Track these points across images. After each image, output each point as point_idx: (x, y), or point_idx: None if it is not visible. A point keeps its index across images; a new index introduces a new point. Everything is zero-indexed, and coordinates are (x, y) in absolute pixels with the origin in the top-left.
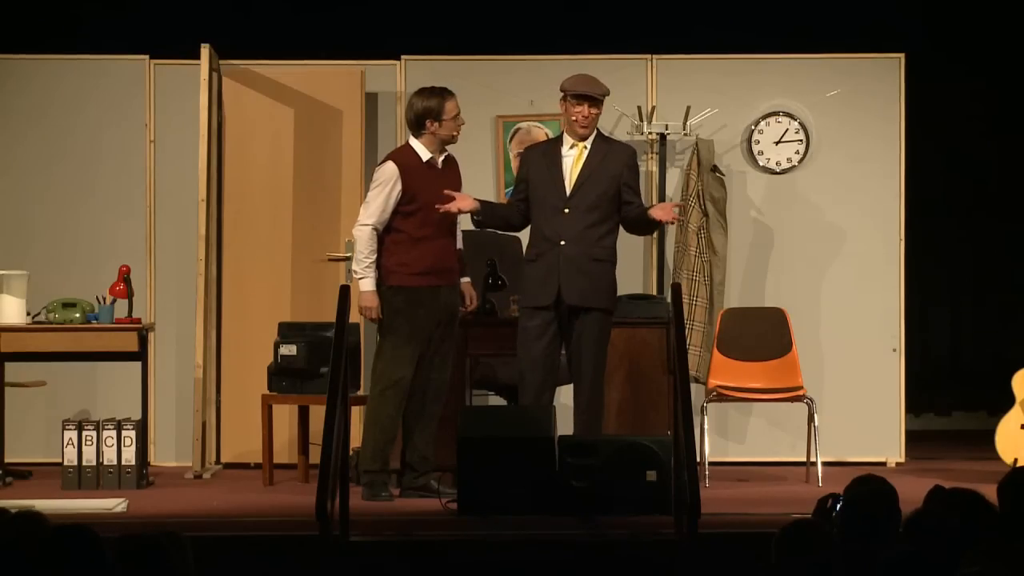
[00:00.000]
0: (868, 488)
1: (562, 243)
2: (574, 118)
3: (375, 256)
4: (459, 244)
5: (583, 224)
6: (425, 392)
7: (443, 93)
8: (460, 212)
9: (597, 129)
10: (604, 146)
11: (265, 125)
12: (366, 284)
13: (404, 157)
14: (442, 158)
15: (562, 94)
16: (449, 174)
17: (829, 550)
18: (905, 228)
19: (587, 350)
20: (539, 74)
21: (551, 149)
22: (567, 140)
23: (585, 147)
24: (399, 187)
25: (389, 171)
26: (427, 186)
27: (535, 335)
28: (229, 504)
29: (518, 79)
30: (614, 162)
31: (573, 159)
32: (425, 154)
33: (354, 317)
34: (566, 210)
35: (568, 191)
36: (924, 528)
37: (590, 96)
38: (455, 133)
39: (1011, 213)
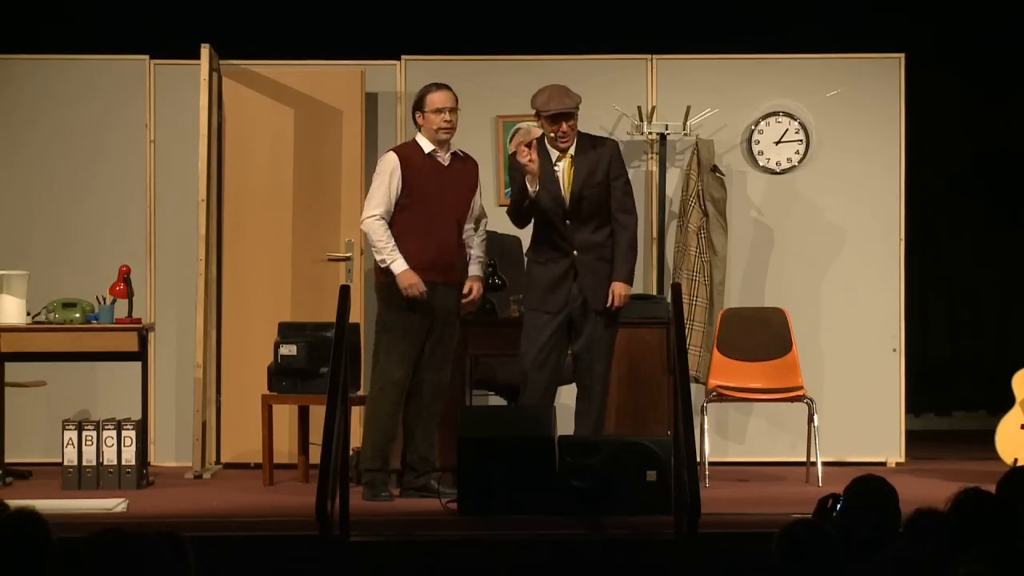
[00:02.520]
0: (868, 488)
1: (575, 253)
2: (552, 135)
3: (393, 240)
4: (478, 250)
5: (587, 231)
6: (424, 393)
7: (430, 86)
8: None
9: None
10: (588, 148)
11: (265, 125)
12: (398, 266)
13: (406, 149)
14: (449, 154)
15: (534, 111)
16: (456, 172)
17: (829, 550)
18: (905, 228)
19: (599, 353)
20: (539, 74)
21: (543, 153)
22: (552, 152)
23: (571, 155)
24: (398, 176)
25: (389, 161)
26: (427, 180)
27: (543, 336)
28: (229, 504)
29: (518, 79)
30: (600, 164)
31: (563, 171)
32: (427, 147)
33: (355, 317)
34: (567, 221)
35: (567, 204)
36: (924, 527)
37: (564, 113)
38: (435, 127)
39: (1011, 212)
